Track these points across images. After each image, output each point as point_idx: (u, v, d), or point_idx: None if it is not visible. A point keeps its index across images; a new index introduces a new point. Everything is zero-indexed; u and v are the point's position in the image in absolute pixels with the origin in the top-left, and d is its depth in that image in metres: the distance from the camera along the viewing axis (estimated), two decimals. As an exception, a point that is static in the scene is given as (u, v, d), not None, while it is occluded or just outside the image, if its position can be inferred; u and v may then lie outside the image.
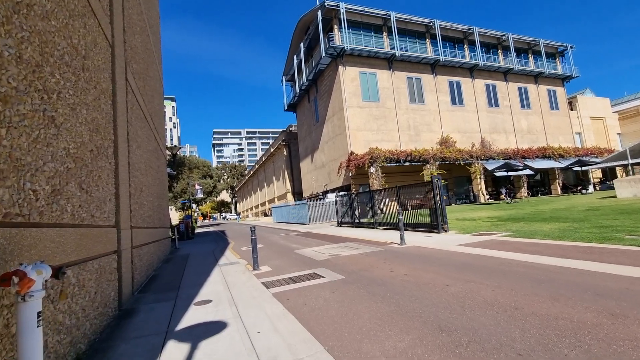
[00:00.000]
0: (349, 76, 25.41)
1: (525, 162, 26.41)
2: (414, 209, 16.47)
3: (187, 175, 36.65)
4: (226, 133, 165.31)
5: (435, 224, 10.31)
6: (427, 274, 4.99)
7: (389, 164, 21.89)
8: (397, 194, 12.70)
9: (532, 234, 7.91)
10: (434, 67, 28.65)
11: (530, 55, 34.40)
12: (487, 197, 25.30)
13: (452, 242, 7.97)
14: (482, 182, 25.17)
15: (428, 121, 27.73)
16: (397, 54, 26.18)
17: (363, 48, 25.40)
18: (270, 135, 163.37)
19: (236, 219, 73.23)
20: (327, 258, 7.26)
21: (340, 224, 17.59)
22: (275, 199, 47.11)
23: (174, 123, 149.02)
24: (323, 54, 25.42)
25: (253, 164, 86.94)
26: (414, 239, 9.12)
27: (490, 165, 24.43)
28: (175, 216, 41.54)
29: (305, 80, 30.22)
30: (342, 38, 25.19)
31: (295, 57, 32.27)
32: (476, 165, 24.70)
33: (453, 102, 29.14)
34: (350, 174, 23.49)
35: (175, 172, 24.13)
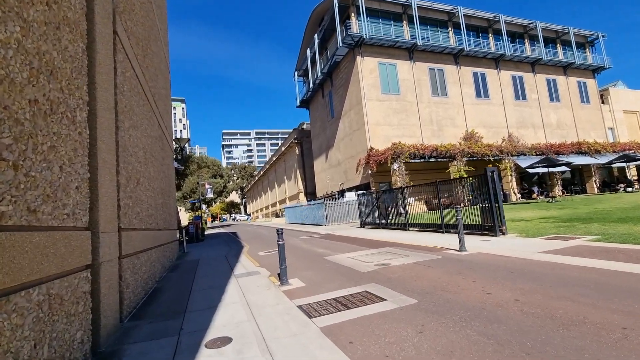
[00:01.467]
0: (367, 67, 23.79)
1: (558, 159, 24.34)
2: (444, 209, 14.82)
3: (196, 173, 35.36)
4: (235, 134, 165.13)
5: (491, 225, 8.62)
6: (551, 300, 3.35)
7: (412, 160, 20.18)
8: (437, 190, 11.04)
9: (629, 238, 6.17)
10: (457, 57, 26.81)
11: (558, 45, 32.22)
12: (519, 195, 23.34)
13: (525, 248, 6.29)
14: (514, 179, 23.21)
15: (451, 115, 25.91)
16: (418, 43, 24.45)
17: (382, 37, 23.75)
18: (280, 135, 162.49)
19: (247, 219, 72.14)
20: (373, 269, 5.67)
21: (363, 225, 15.96)
22: (287, 200, 45.68)
23: (184, 124, 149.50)
24: (340, 43, 23.85)
25: (262, 165, 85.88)
26: (470, 243, 7.45)
27: (523, 162, 22.46)
28: (184, 217, 40.44)
29: (319, 74, 28.70)
30: (359, 27, 23.59)
31: (308, 50, 30.80)
32: (506, 161, 22.78)
33: (478, 94, 27.24)
34: (370, 172, 21.85)
35: (183, 167, 22.86)
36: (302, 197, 39.69)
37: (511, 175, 22.73)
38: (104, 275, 3.34)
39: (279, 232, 5.43)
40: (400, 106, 24.32)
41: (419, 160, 20.58)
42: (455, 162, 21.27)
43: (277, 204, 52.25)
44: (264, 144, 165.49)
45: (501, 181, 23.37)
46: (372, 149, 22.24)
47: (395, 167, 19.48)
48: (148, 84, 6.90)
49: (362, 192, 18.68)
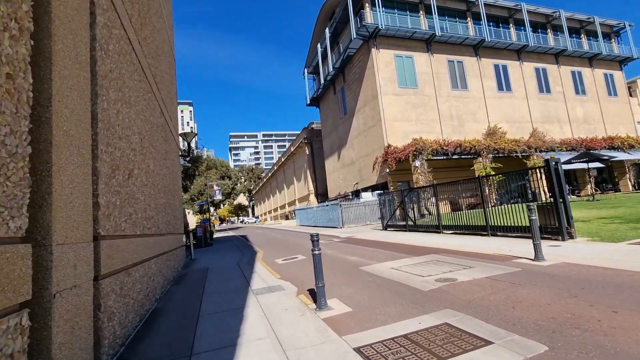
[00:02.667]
0: (383, 60, 22.45)
1: (601, 154, 22.62)
2: (469, 209, 13.50)
3: (204, 174, 34.29)
4: (242, 136, 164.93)
5: (556, 228, 7.23)
6: None
7: (435, 158, 18.74)
8: (479, 187, 9.67)
9: None
10: (477, 49, 25.31)
11: (583, 35, 30.46)
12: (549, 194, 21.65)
13: (622, 257, 4.89)
14: (543, 177, 21.53)
15: (472, 109, 24.39)
16: (437, 33, 23.03)
17: (399, 27, 22.39)
18: (287, 137, 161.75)
19: (255, 222, 71.10)
20: (436, 286, 4.33)
21: (385, 227, 14.59)
22: (296, 201, 44.47)
23: (192, 127, 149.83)
24: (354, 35, 22.58)
25: (270, 167, 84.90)
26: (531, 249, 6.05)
27: (560, 157, 20.83)
28: (192, 220, 39.47)
29: (331, 69, 27.45)
30: (374, 17, 22.28)
31: (319, 45, 29.59)
32: (535, 158, 21.18)
33: (500, 87, 25.68)
34: (388, 170, 20.46)
35: (190, 165, 21.76)
36: (312, 198, 38.44)
37: (541, 173, 21.04)
38: (60, 312, 2.08)
39: (314, 239, 4.14)
40: (418, 100, 22.91)
41: (442, 158, 19.14)
42: (480, 159, 19.76)
43: (286, 205, 51.08)
44: (271, 146, 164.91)
45: (526, 180, 21.76)
46: (389, 146, 20.87)
47: (417, 165, 18.08)
48: (147, 59, 5.70)
49: (382, 191, 17.33)
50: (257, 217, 77.59)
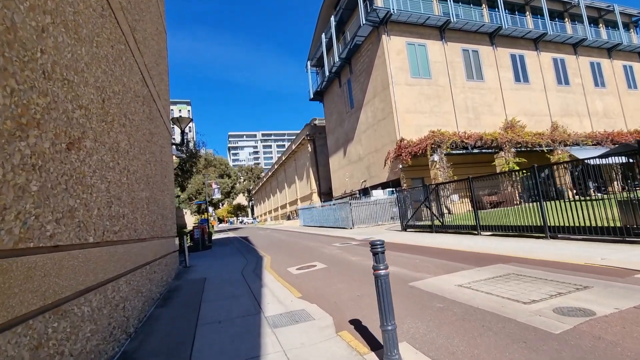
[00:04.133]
0: (394, 47, 20.87)
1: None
2: (492, 207, 12.14)
3: (202, 171, 32.51)
4: (241, 136, 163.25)
5: (652, 228, 5.65)
6: None
7: (454, 152, 17.16)
8: (535, 178, 8.14)
9: None
10: (493, 37, 23.75)
11: (601, 25, 28.96)
12: (574, 192, 20.14)
13: None
14: (568, 173, 20.02)
15: (488, 101, 22.83)
16: (452, 20, 21.46)
17: (412, 12, 20.80)
18: (286, 137, 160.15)
19: (253, 222, 69.44)
20: (569, 324, 2.73)
21: (405, 228, 13.00)
22: (298, 201, 42.87)
23: (190, 127, 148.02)
24: (363, 21, 20.98)
25: (269, 166, 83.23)
26: (625, 257, 4.48)
27: (577, 153, 19.29)
28: (190, 221, 37.81)
29: (337, 59, 25.83)
30: (384, 1, 20.69)
31: (323, 35, 27.98)
32: (560, 152, 19.63)
33: (517, 78, 24.13)
34: (401, 166, 18.87)
35: (184, 156, 20.08)
36: (315, 197, 36.86)
37: (565, 169, 19.51)
38: None
39: (377, 251, 2.53)
40: (432, 91, 21.34)
41: (461, 152, 17.55)
42: (502, 153, 18.20)
43: (287, 205, 49.48)
44: (270, 146, 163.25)
45: (552, 176, 20.28)
46: (402, 139, 19.30)
47: (435, 159, 16.49)
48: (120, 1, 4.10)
49: (398, 188, 15.74)
50: (255, 218, 75.92)
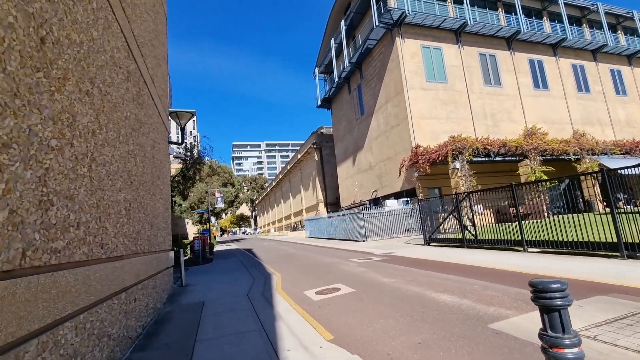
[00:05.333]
0: (408, 50, 19.87)
1: (645, 159, 19.71)
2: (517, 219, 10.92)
3: (206, 179, 31.24)
4: (245, 146, 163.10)
5: None
6: None
7: (476, 159, 15.87)
8: (575, 189, 6.86)
9: None
10: (511, 42, 22.75)
11: (620, 31, 27.95)
12: (604, 204, 18.72)
13: None
14: (597, 184, 18.65)
15: (507, 108, 21.65)
16: (469, 22, 20.51)
17: (427, 14, 19.87)
18: (290, 147, 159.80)
19: (254, 233, 67.99)
20: None
21: (429, 241, 11.63)
22: (303, 211, 41.52)
23: (195, 137, 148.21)
24: (376, 23, 20.06)
25: (273, 177, 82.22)
26: None
27: (611, 162, 17.93)
28: (192, 231, 36.48)
29: (347, 64, 24.88)
30: (399, 2, 19.81)
31: (332, 40, 27.15)
32: (587, 161, 18.27)
33: (536, 85, 22.99)
34: (417, 174, 17.59)
35: (183, 155, 18.88)
36: (321, 208, 35.50)
37: (594, 179, 18.15)
38: None
39: (556, 305, 1.22)
40: (448, 96, 20.21)
41: (483, 159, 16.25)
42: (527, 161, 16.88)
43: (292, 216, 48.10)
44: (274, 156, 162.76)
45: (579, 187, 18.89)
46: (418, 146, 18.08)
47: (457, 167, 15.19)
48: None
49: (420, 198, 14.44)
50: (256, 229, 74.50)
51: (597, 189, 19.08)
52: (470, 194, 9.92)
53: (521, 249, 8.15)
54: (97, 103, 2.98)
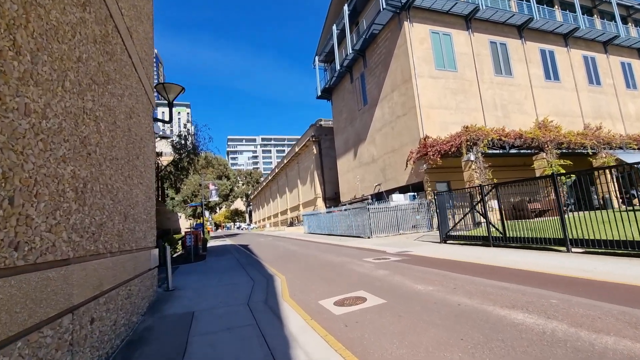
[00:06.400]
0: (417, 36, 18.69)
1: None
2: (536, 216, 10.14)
3: (200, 170, 29.72)
4: (240, 140, 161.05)
5: None
6: None
7: (491, 151, 14.81)
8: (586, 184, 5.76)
9: None
10: (522, 30, 21.68)
11: (630, 23, 27.05)
12: (620, 200, 17.87)
13: None
14: (614, 180, 17.76)
15: (518, 99, 20.63)
16: (481, 8, 19.36)
17: (437, -3, 18.67)
18: (286, 142, 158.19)
19: (248, 229, 66.80)
20: None
21: (445, 239, 10.55)
22: (300, 206, 40.37)
23: (189, 129, 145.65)
24: (383, 5, 18.80)
25: (268, 172, 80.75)
26: None
27: (628, 157, 17.06)
28: (184, 226, 35.08)
29: (349, 51, 23.60)
30: (407, -15, 18.58)
31: (334, 27, 25.81)
32: (604, 155, 17.35)
33: (547, 76, 21.98)
34: (426, 167, 16.50)
35: (179, 145, 17.51)
36: (320, 202, 34.38)
37: (612, 175, 17.25)
38: None
39: None
40: (458, 85, 19.11)
41: (498, 151, 15.20)
42: (543, 154, 15.88)
43: (289, 211, 46.90)
44: (269, 151, 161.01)
45: (594, 183, 17.94)
46: (427, 137, 16.98)
47: (471, 158, 14.13)
48: None
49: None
50: (249, 224, 73.37)
51: (614, 186, 18.08)
52: (499, 186, 8.82)
53: (562, 248, 7.09)
54: (47, 47, 1.77)
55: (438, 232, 10.94)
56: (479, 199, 9.25)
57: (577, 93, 22.79)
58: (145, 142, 5.53)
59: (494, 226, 8.82)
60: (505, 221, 8.69)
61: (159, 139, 12.20)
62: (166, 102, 7.34)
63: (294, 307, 4.56)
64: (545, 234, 7.51)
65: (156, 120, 6.52)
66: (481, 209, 9.10)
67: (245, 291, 5.86)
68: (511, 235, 8.41)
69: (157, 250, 6.10)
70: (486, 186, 9.05)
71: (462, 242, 10.02)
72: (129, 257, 4.12)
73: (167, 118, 7.64)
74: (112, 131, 3.59)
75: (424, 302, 4.11)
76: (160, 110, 71.79)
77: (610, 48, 25.21)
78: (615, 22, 24.88)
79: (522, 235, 8.09)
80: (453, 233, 10.49)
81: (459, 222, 10.16)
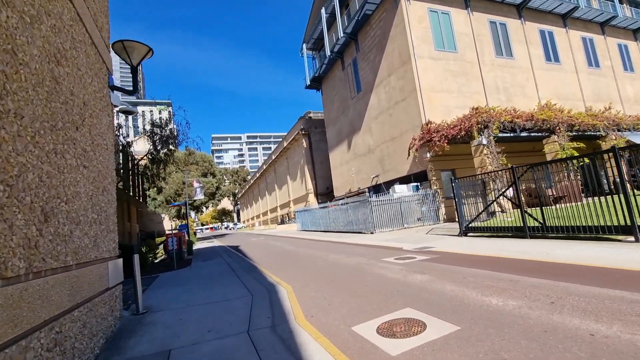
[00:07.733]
0: (415, 14, 17.35)
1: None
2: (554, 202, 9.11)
3: (183, 167, 27.74)
4: (225, 138, 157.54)
5: None
6: None
7: (502, 134, 13.63)
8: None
9: None
10: (521, 9, 20.67)
11: (626, 4, 26.51)
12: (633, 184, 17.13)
13: None
14: (624, 164, 17.01)
15: (520, 82, 19.63)
16: (481, -17, 18.19)
17: (436, -29, 17.36)
18: (272, 139, 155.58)
19: (234, 228, 64.94)
20: None
21: (465, 231, 9.27)
22: (291, 203, 38.81)
23: (171, 129, 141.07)
24: (377, -19, 17.38)
25: (255, 169, 78.61)
26: None
27: (637, 138, 16.24)
28: (168, 227, 33.01)
29: (341, 34, 22.09)
30: (403, -41, 17.19)
31: (323, 10, 24.20)
32: (614, 138, 16.48)
33: (547, 57, 21.07)
34: (430, 154, 15.24)
35: (153, 133, 15.65)
36: (311, 198, 32.92)
37: (622, 158, 16.43)
38: None
39: None
40: (459, 67, 17.91)
41: (509, 134, 14.04)
42: (555, 137, 14.84)
43: (278, 208, 45.25)
44: (255, 148, 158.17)
45: (603, 166, 17.05)
46: (429, 122, 15.72)
47: (483, 142, 12.91)
48: None
49: (453, 178, 12.09)
50: (236, 224, 71.64)
51: (624, 169, 17.19)
52: (534, 167, 7.56)
53: (626, 237, 5.88)
54: None
55: (446, 224, 9.69)
56: (507, 184, 7.98)
57: (577, 75, 22.00)
58: (95, 111, 3.93)
59: (530, 215, 7.57)
60: (542, 208, 7.45)
61: (120, 114, 10.46)
62: (157, 102, 5.68)
63: (317, 339, 3.10)
64: (591, 221, 6.32)
65: (114, 88, 4.90)
66: (514, 195, 7.83)
67: (242, 311, 4.36)
68: (552, 225, 7.17)
69: (120, 261, 4.52)
70: (519, 168, 7.77)
71: (486, 234, 8.76)
72: (61, 278, 2.57)
73: (164, 114, 5.99)
74: (28, 86, 2.03)
75: (527, 330, 2.71)
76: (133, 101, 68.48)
77: (608, 29, 24.56)
78: (613, 1, 24.24)
79: (569, 224, 6.85)
80: (474, 224, 9.22)
81: (483, 210, 8.89)
